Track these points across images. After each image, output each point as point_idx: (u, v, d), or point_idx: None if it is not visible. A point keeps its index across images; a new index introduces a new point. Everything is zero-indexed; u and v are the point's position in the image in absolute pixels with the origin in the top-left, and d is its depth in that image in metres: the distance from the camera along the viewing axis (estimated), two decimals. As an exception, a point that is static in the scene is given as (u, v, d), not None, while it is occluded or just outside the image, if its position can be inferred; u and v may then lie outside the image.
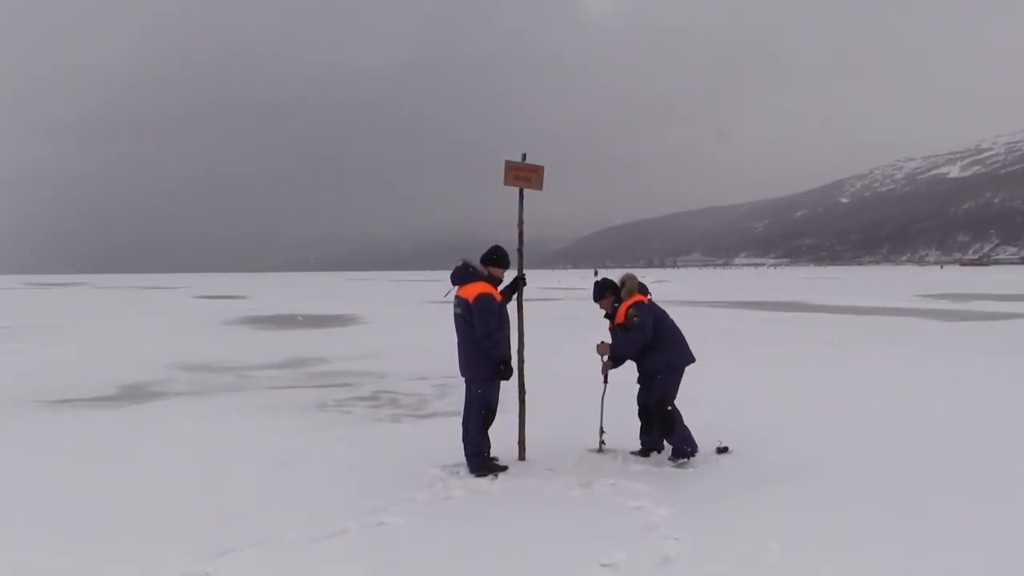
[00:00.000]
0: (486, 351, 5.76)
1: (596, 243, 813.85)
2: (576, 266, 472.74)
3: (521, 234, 6.35)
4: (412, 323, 23.32)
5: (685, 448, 6.08)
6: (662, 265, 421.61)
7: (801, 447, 6.56)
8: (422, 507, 5.08)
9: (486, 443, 5.93)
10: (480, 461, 5.86)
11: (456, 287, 5.99)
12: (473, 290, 5.80)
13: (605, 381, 6.54)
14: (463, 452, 5.93)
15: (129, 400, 9.74)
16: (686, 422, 6.13)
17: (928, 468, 5.86)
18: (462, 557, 4.20)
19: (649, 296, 6.40)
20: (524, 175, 6.35)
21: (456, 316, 5.94)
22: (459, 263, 6.03)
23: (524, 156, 6.37)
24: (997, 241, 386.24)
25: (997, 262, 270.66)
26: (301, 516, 4.85)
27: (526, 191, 6.39)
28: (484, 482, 5.62)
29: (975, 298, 32.69)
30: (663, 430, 6.16)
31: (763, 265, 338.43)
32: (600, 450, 6.45)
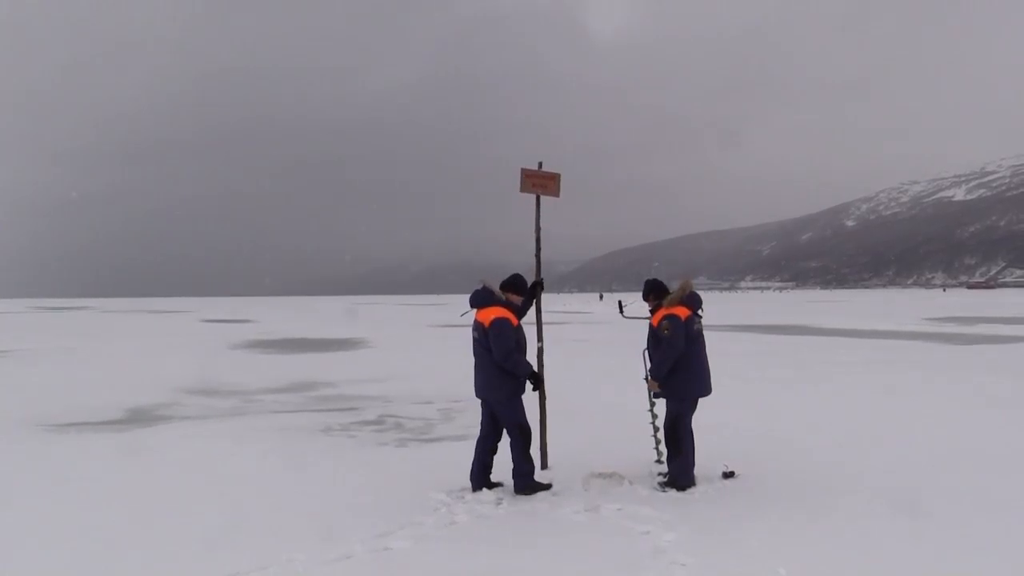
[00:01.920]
0: (510, 371, 5.80)
1: (602, 266, 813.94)
2: (582, 289, 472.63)
3: (538, 240, 6.45)
4: (418, 347, 23.32)
5: (680, 480, 5.97)
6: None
7: (809, 471, 6.52)
8: (428, 532, 5.06)
9: (530, 464, 5.93)
10: (525, 482, 5.88)
11: (475, 310, 6.05)
12: (489, 314, 5.87)
13: (652, 405, 6.57)
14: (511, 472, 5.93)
15: (134, 424, 9.75)
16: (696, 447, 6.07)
17: (941, 491, 5.80)
18: (468, 582, 4.18)
19: (698, 313, 6.15)
20: (540, 182, 6.50)
21: (474, 340, 6.01)
22: (479, 286, 6.09)
23: (540, 164, 6.54)
24: (1004, 264, 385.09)
25: (1004, 285, 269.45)
26: (307, 540, 4.84)
27: (543, 198, 6.55)
28: (490, 506, 5.60)
29: (982, 321, 32.53)
30: (669, 451, 6.11)
31: (769, 288, 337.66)
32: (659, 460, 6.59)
